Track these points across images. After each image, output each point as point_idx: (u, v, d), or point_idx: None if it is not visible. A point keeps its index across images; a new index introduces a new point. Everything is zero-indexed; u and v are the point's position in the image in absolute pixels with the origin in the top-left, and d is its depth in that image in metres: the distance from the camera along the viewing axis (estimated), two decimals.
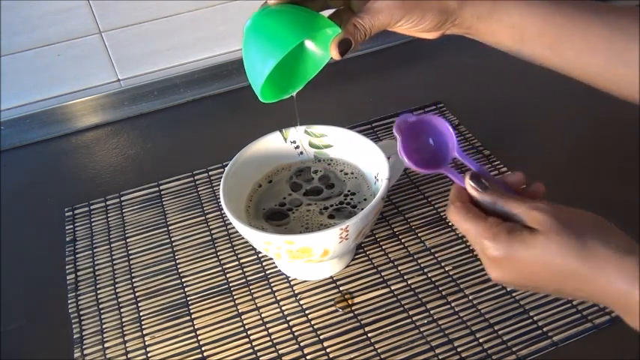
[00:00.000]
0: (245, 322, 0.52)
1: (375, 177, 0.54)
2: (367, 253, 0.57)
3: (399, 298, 0.52)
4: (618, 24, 0.40)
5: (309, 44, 0.48)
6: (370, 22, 0.42)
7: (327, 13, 0.48)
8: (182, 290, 0.56)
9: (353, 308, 0.52)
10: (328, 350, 0.49)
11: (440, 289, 0.53)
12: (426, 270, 0.55)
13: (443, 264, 0.55)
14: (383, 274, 0.55)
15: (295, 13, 0.43)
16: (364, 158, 0.55)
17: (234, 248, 0.59)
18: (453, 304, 0.51)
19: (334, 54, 0.43)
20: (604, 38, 0.41)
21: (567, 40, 0.42)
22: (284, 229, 0.52)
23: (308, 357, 0.49)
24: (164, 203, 0.65)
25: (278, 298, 0.54)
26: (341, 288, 0.54)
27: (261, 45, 0.43)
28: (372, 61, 0.85)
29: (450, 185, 0.62)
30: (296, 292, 0.54)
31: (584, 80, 0.44)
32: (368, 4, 0.43)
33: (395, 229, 0.59)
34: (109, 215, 0.64)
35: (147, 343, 0.51)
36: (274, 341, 0.50)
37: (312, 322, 0.51)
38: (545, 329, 0.49)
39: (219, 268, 0.57)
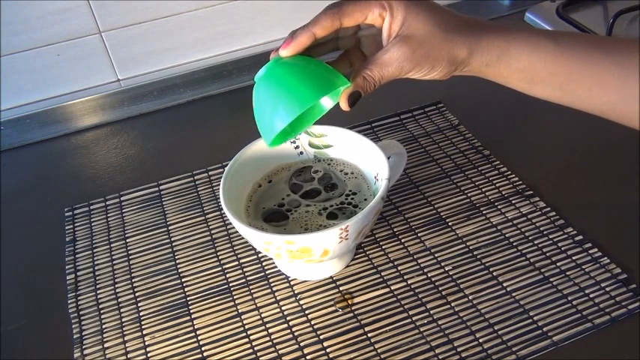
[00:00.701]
0: (245, 322, 0.52)
1: (375, 177, 0.54)
2: (367, 253, 0.57)
3: (399, 298, 0.52)
4: (627, 61, 0.41)
5: None
6: (379, 75, 0.43)
7: (336, 54, 0.49)
8: (182, 290, 0.56)
9: (353, 308, 0.52)
10: (328, 350, 0.49)
11: (440, 289, 0.53)
12: (425, 270, 0.55)
13: (443, 264, 0.55)
14: (383, 274, 0.55)
15: (311, 68, 0.44)
16: (364, 158, 0.55)
17: (234, 248, 0.59)
18: (452, 304, 0.51)
19: (344, 106, 0.44)
20: (614, 76, 0.41)
21: (577, 80, 0.42)
22: (283, 230, 0.52)
23: (308, 357, 0.49)
24: (164, 203, 0.65)
25: (278, 298, 0.54)
26: (341, 288, 0.54)
27: (277, 99, 0.43)
28: None
29: (451, 187, 0.62)
30: (296, 292, 0.54)
31: (596, 114, 0.44)
32: (377, 55, 0.43)
33: (395, 229, 0.59)
34: (108, 215, 0.64)
35: (147, 343, 0.51)
36: (274, 341, 0.50)
37: (312, 322, 0.51)
38: (545, 329, 0.49)
39: (219, 268, 0.57)
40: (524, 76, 0.43)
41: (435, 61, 0.42)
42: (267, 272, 0.56)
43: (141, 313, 0.54)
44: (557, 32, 0.44)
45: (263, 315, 0.53)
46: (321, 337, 0.50)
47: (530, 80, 0.44)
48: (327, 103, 0.50)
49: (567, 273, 0.53)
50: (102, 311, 0.55)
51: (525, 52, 0.42)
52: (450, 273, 0.54)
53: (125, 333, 0.53)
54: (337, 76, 0.44)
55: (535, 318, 0.49)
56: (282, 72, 0.43)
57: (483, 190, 0.62)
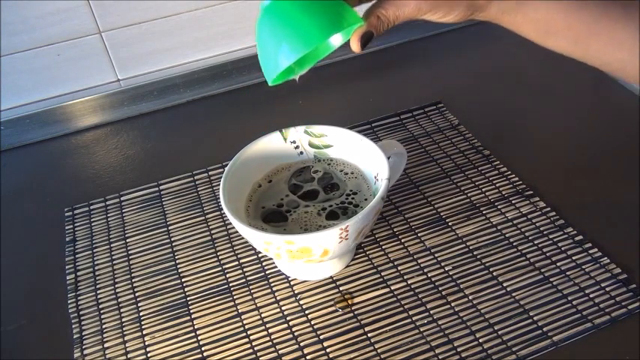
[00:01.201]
0: (245, 322, 0.52)
1: (375, 177, 0.54)
2: (367, 253, 0.57)
3: (399, 298, 0.52)
4: None
5: None
6: (395, 15, 0.41)
7: None
8: (182, 290, 0.56)
9: (353, 308, 0.52)
10: (328, 350, 0.49)
11: (440, 289, 0.53)
12: (425, 270, 0.55)
13: (443, 264, 0.55)
14: (383, 274, 0.55)
15: (321, 2, 0.40)
16: (364, 158, 0.55)
17: (234, 248, 0.59)
18: (452, 304, 0.51)
19: (355, 47, 0.42)
20: (630, 34, 0.41)
21: (593, 35, 0.42)
22: (283, 231, 0.52)
23: (308, 357, 0.49)
24: (164, 203, 0.65)
25: (278, 298, 0.54)
26: (341, 288, 0.54)
27: (282, 34, 0.40)
28: (372, 61, 0.85)
29: (451, 187, 0.62)
30: (296, 292, 0.54)
31: (607, 71, 0.44)
32: None
33: (395, 229, 0.59)
34: (108, 215, 0.64)
35: (147, 343, 0.51)
36: (274, 341, 0.50)
37: (312, 322, 0.51)
38: (545, 329, 0.49)
39: (219, 268, 0.57)
40: (539, 27, 0.43)
41: (453, 5, 0.41)
42: (267, 272, 0.56)
43: (141, 313, 0.54)
44: None
45: (263, 315, 0.53)
46: (321, 337, 0.50)
47: (545, 31, 0.43)
48: (335, 39, 0.46)
49: (567, 273, 0.53)
50: (102, 311, 0.55)
51: (544, 2, 0.42)
52: (450, 273, 0.54)
53: (125, 333, 0.53)
54: (349, 13, 0.41)
55: (535, 318, 0.49)
56: (290, 3, 0.40)
57: (483, 190, 0.62)
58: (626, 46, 0.41)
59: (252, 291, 0.55)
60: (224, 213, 0.59)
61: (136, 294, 0.56)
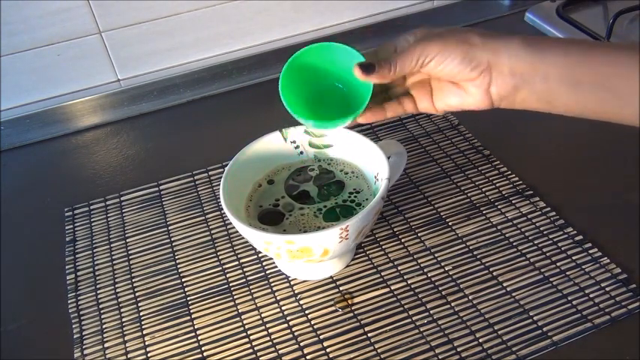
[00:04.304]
0: (245, 322, 0.52)
1: (375, 177, 0.54)
2: (367, 253, 0.57)
3: (399, 298, 0.52)
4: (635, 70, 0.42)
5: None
6: (401, 68, 0.45)
7: None
8: (182, 290, 0.56)
9: (353, 308, 0.52)
10: (328, 350, 0.49)
11: (440, 289, 0.53)
12: (425, 270, 0.55)
13: (443, 264, 0.55)
14: (383, 274, 0.55)
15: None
16: (364, 158, 0.55)
17: (234, 248, 0.59)
18: (452, 304, 0.51)
19: (358, 73, 0.45)
20: (631, 96, 0.43)
21: (596, 99, 0.45)
22: (283, 231, 0.52)
23: (308, 357, 0.49)
24: (164, 203, 0.65)
25: (278, 298, 0.54)
26: (341, 288, 0.54)
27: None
28: None
29: (451, 187, 0.62)
30: (296, 292, 0.54)
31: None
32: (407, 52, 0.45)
33: (395, 229, 0.59)
34: (108, 215, 0.65)
35: (147, 343, 0.51)
36: (274, 341, 0.50)
37: (312, 322, 0.51)
38: (545, 329, 0.49)
39: (219, 268, 0.57)
40: (541, 108, 0.47)
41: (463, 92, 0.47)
42: (267, 272, 0.56)
43: (141, 313, 0.54)
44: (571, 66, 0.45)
45: (263, 315, 0.53)
46: (321, 337, 0.50)
47: (548, 107, 0.47)
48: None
49: (567, 273, 0.53)
50: (102, 311, 0.55)
51: (543, 81, 0.45)
52: (450, 273, 0.54)
53: (125, 333, 0.53)
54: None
55: (535, 318, 0.49)
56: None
57: (483, 190, 0.62)
58: (631, 104, 0.43)
59: (252, 291, 0.55)
60: (224, 213, 0.59)
61: (136, 294, 0.56)
